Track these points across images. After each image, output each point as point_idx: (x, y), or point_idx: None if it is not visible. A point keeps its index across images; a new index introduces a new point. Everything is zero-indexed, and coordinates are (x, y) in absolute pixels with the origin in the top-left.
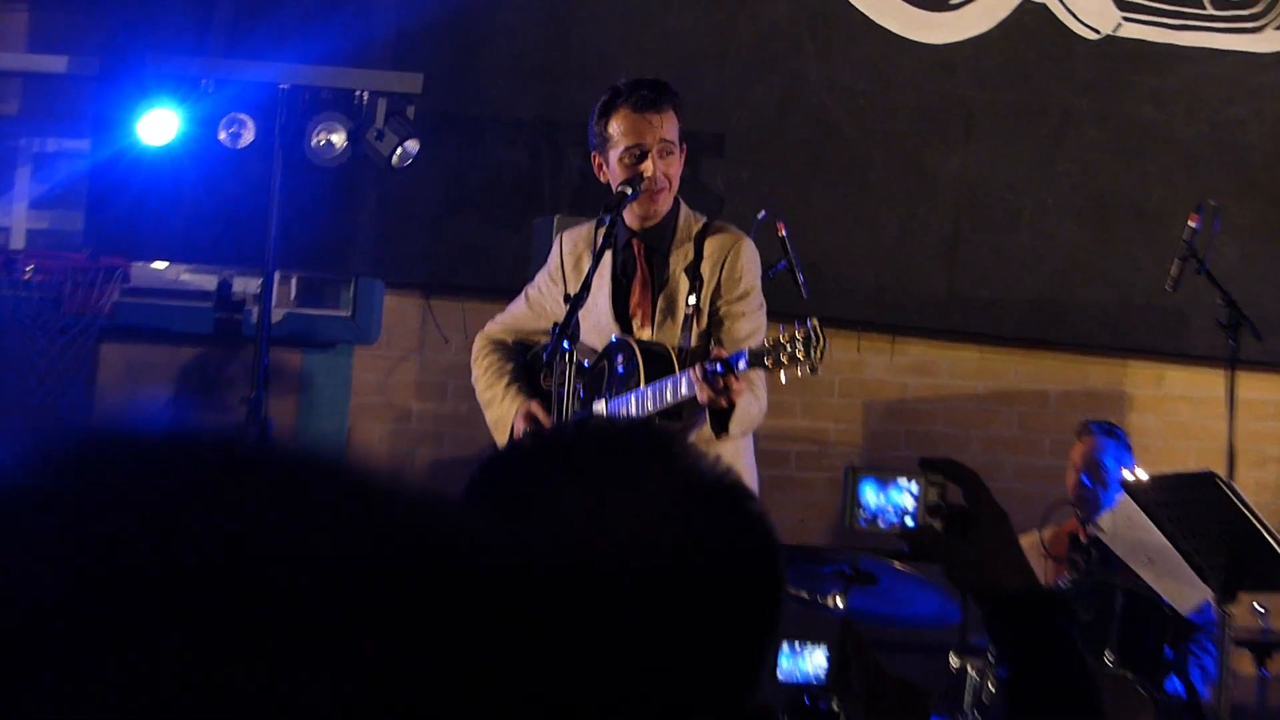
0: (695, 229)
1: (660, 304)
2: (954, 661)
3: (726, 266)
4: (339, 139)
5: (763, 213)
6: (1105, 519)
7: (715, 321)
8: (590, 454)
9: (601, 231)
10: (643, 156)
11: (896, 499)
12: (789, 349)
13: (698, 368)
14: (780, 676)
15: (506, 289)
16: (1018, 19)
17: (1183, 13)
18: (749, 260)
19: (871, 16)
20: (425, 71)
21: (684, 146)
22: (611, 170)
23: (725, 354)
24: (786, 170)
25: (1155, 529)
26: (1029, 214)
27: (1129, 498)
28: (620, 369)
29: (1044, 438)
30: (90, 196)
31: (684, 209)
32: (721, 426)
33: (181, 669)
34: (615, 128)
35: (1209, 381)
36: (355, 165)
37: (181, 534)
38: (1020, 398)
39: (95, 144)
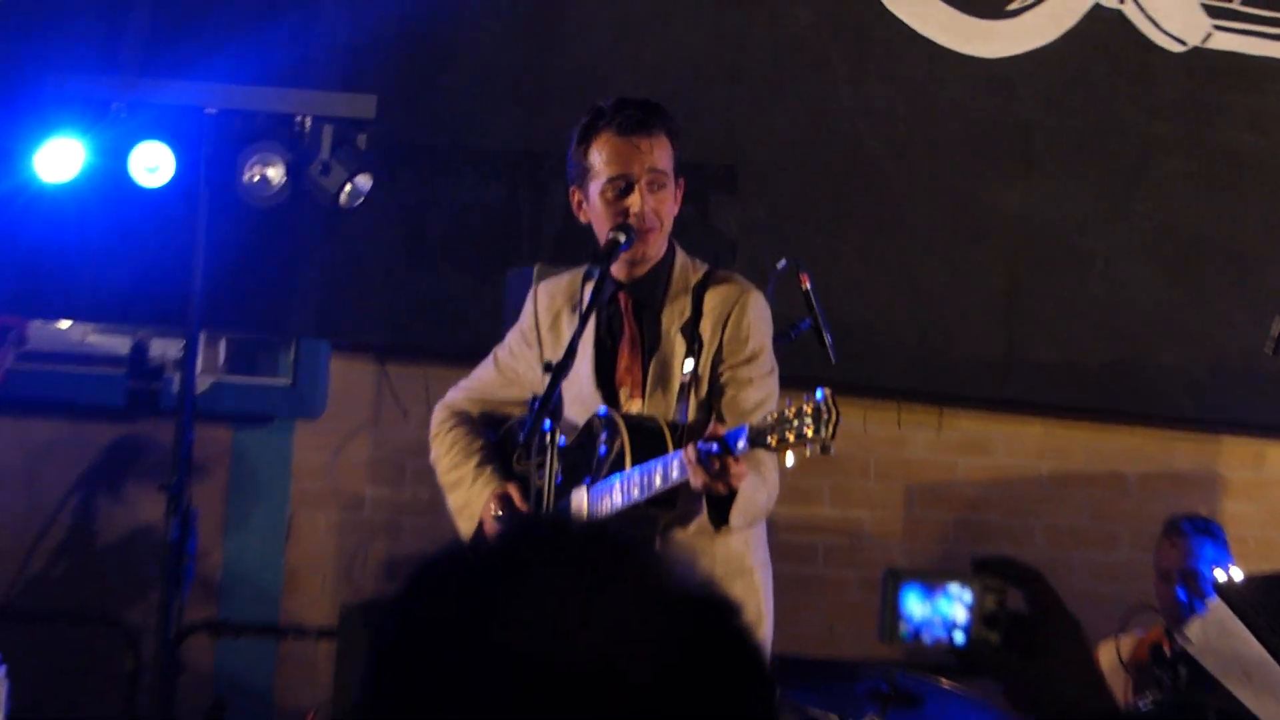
0: (694, 280)
1: (652, 370)
2: None
3: (730, 325)
4: (276, 173)
5: (783, 261)
6: (1194, 627)
7: (716, 390)
8: (545, 565)
9: (589, 287)
10: (628, 189)
11: (946, 609)
12: (795, 425)
13: (690, 449)
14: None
15: (476, 352)
16: (1088, 28)
17: None
18: (757, 317)
19: (913, 26)
20: (379, 93)
21: (681, 181)
22: (593, 207)
23: (723, 431)
24: (811, 210)
25: (1253, 639)
26: (1102, 261)
27: (1222, 602)
28: (603, 448)
29: (1121, 528)
30: None
31: (680, 256)
32: (721, 517)
33: None
34: (597, 155)
35: None
36: (296, 205)
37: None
38: (1092, 481)
39: None
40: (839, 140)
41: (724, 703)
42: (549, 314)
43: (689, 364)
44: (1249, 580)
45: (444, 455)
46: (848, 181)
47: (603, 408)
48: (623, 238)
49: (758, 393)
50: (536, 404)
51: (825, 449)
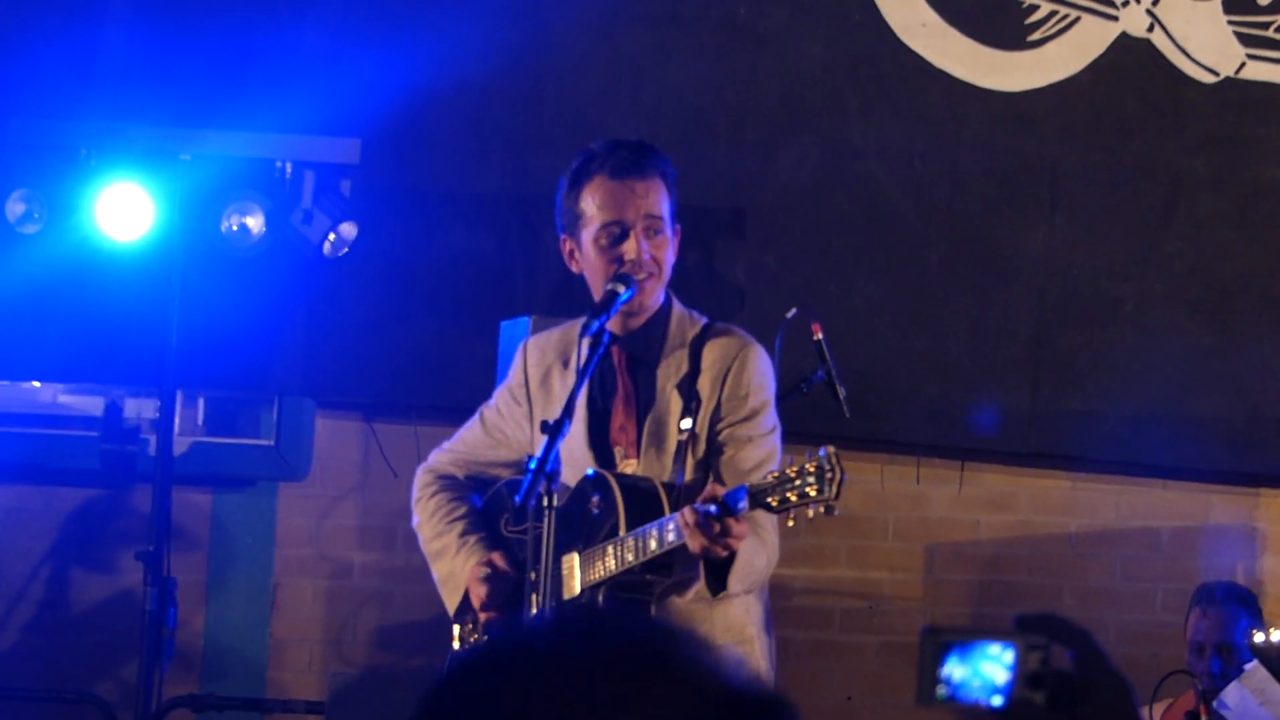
0: (691, 333)
1: (647, 428)
2: None
3: (730, 381)
4: (256, 222)
5: (793, 310)
6: (1231, 692)
7: (715, 449)
8: (578, 667)
9: (587, 343)
10: (623, 235)
11: (986, 670)
12: (797, 484)
13: (688, 511)
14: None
15: (470, 409)
16: (1114, 58)
17: None
18: (758, 372)
19: (930, 59)
20: (364, 136)
21: (678, 228)
22: (585, 256)
23: (722, 492)
24: (823, 255)
25: None
26: (1131, 306)
27: (1260, 665)
28: (596, 511)
29: (1155, 588)
30: None
31: (677, 308)
32: (719, 582)
33: None
34: (589, 201)
35: None
36: (277, 255)
37: None
38: (1123, 539)
39: None
40: (852, 181)
41: None
42: (539, 370)
43: (686, 422)
44: None
45: (426, 522)
46: (862, 224)
47: (591, 470)
48: (622, 289)
49: (758, 452)
50: (532, 465)
51: (830, 510)
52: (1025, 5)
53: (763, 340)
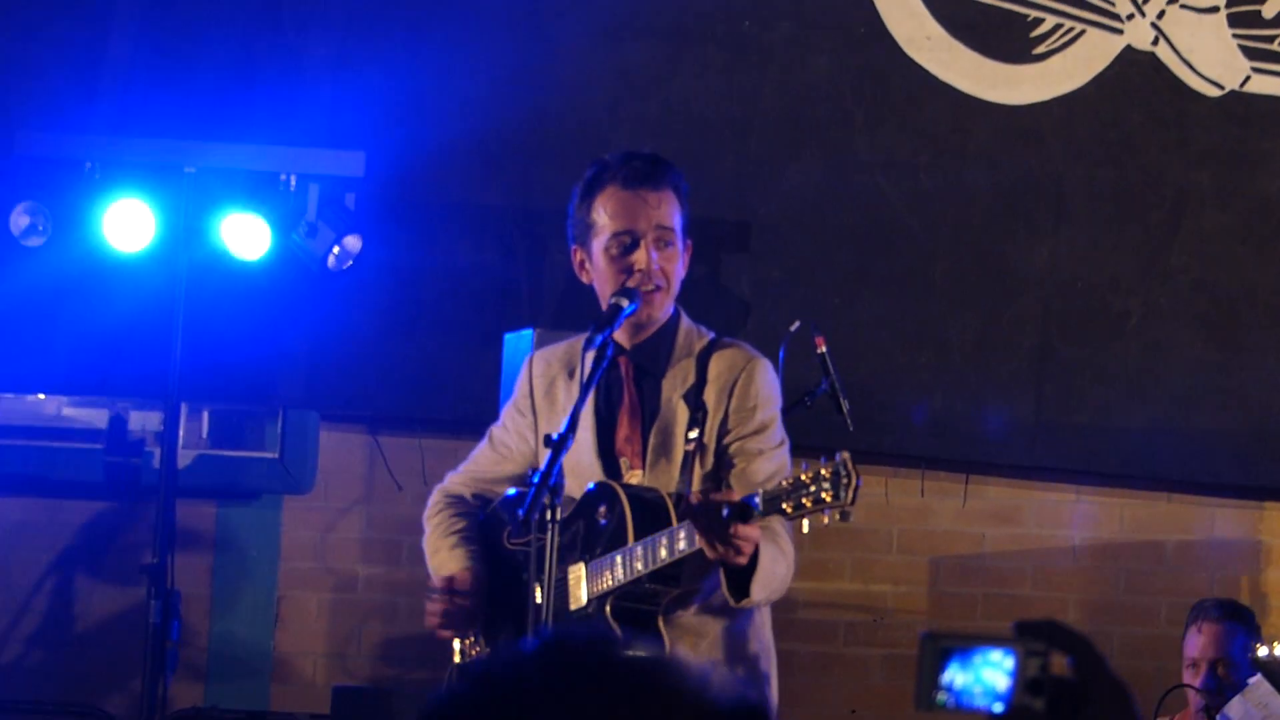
0: (698, 346)
1: (652, 439)
2: None
3: (737, 393)
4: (260, 235)
5: (797, 323)
6: (1235, 706)
7: (725, 462)
8: (575, 696)
9: (591, 356)
10: (633, 245)
11: (986, 676)
12: (812, 490)
13: (695, 495)
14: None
15: (474, 422)
16: (1119, 72)
17: None
18: (765, 385)
19: (934, 73)
20: (368, 149)
21: (689, 243)
22: (596, 266)
23: (735, 496)
24: (829, 268)
25: None
26: (1136, 319)
27: (1263, 679)
28: (603, 521)
29: (1159, 601)
30: None
31: (684, 321)
32: (742, 590)
33: None
34: (601, 211)
35: None
36: (281, 268)
37: None
38: (1128, 552)
39: None
40: (857, 194)
41: None
42: (544, 382)
43: (693, 433)
44: None
45: (428, 539)
46: (867, 237)
47: (591, 484)
48: (626, 302)
49: (769, 465)
50: (536, 477)
51: (845, 516)
52: (1030, 19)
53: (768, 353)
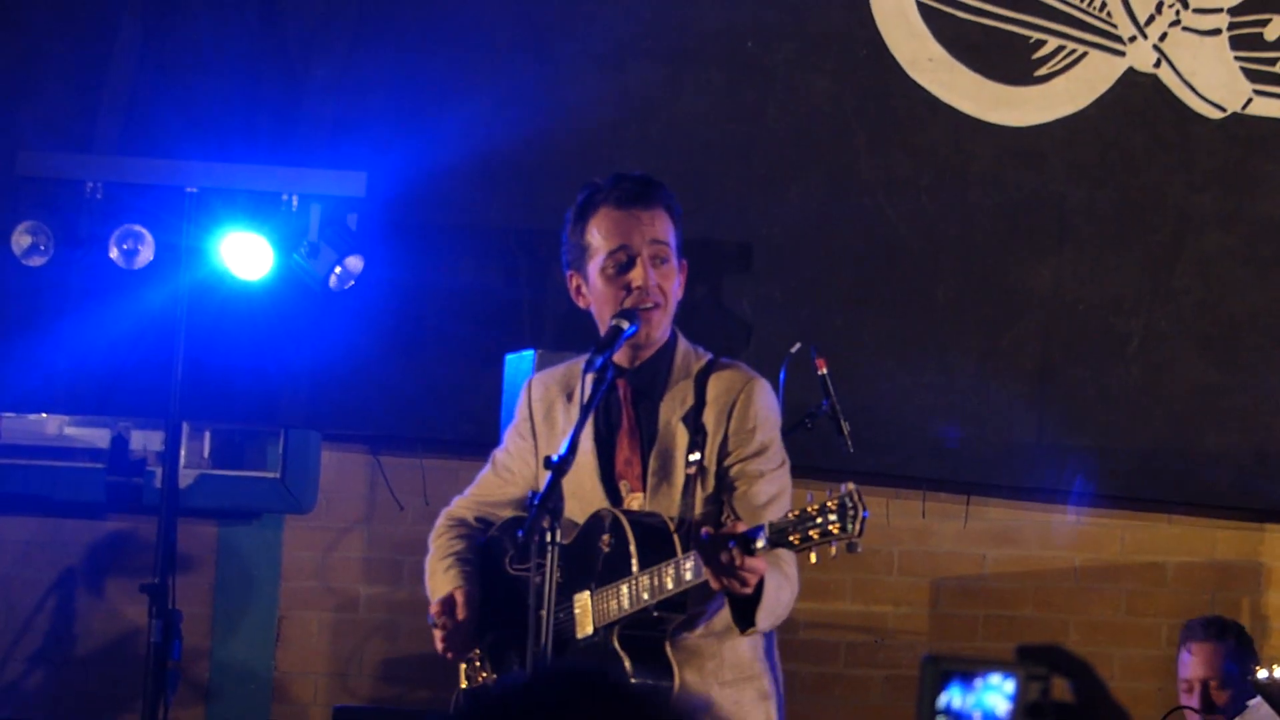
0: (695, 367)
1: (653, 463)
2: None
3: (736, 415)
4: (262, 255)
5: (798, 344)
6: None
7: (726, 485)
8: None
9: (591, 379)
10: (630, 263)
11: (987, 700)
12: (819, 522)
13: (705, 530)
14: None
15: (475, 442)
16: (1121, 94)
17: None
18: (764, 406)
19: (937, 94)
20: (370, 169)
21: (684, 263)
22: (593, 288)
23: (741, 529)
24: (831, 290)
25: None
26: (1138, 341)
27: (1263, 701)
28: (606, 549)
29: (1160, 622)
30: None
31: (682, 342)
32: (747, 619)
33: None
34: (595, 232)
35: None
36: (282, 288)
37: None
38: (1129, 573)
39: None
40: (859, 215)
41: None
42: (543, 405)
43: (694, 456)
44: None
45: (427, 563)
46: (869, 258)
47: (594, 511)
48: (626, 324)
49: (771, 487)
50: (536, 501)
51: (852, 547)
52: (1032, 40)
53: (769, 374)
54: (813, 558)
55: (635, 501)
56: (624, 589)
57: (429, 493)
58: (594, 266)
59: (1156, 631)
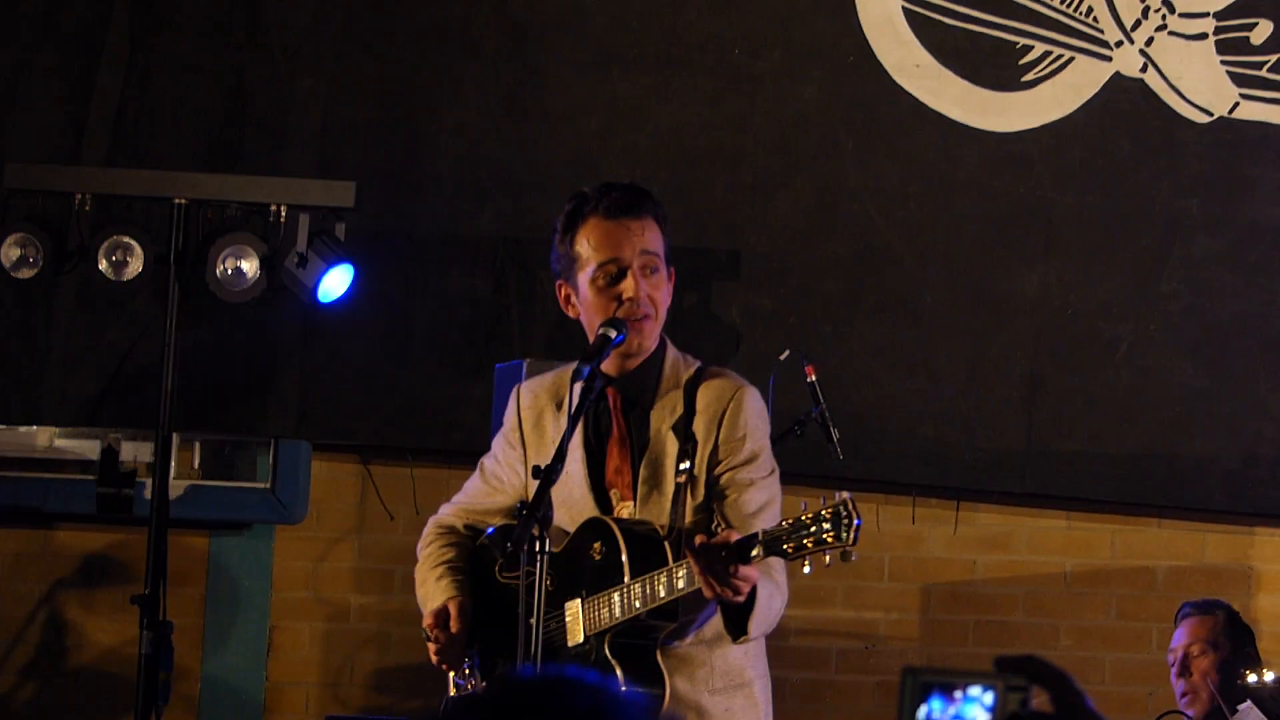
0: (685, 376)
1: (643, 471)
2: None
3: (725, 423)
4: (250, 266)
5: (787, 351)
6: None
7: (716, 493)
8: None
9: (579, 388)
10: (621, 274)
11: (967, 711)
12: (813, 531)
13: (697, 540)
14: None
15: (465, 451)
16: (1108, 99)
17: None
18: (753, 414)
19: (924, 100)
20: (358, 179)
21: (672, 270)
22: (583, 299)
23: (734, 538)
24: (819, 297)
25: None
26: (1127, 346)
27: (1254, 707)
28: (597, 557)
29: (1150, 627)
30: None
31: (671, 351)
32: (740, 628)
33: None
34: (585, 243)
35: None
36: (271, 298)
37: None
38: (1119, 577)
39: None
40: (847, 222)
41: None
42: (532, 413)
43: (684, 465)
44: None
45: (418, 571)
46: (857, 266)
47: (585, 520)
48: (614, 333)
49: (761, 495)
50: (524, 509)
51: (846, 556)
52: (1019, 46)
53: (758, 381)
54: (806, 567)
55: (625, 510)
56: (616, 597)
57: (419, 502)
58: (584, 277)
59: (1147, 635)
